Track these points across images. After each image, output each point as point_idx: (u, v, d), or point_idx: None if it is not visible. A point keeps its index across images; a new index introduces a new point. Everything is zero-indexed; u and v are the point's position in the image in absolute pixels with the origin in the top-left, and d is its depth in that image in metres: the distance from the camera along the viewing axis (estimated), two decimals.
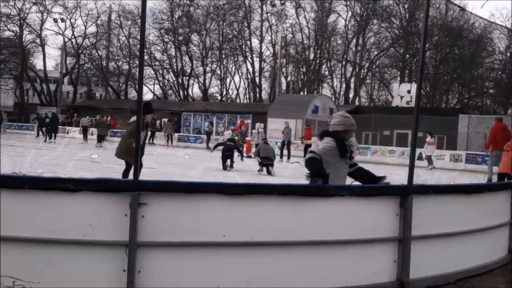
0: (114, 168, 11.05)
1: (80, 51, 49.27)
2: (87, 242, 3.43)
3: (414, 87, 30.24)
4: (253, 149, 17.44)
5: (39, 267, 3.37)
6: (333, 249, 4.03)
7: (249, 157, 17.99)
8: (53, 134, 24.43)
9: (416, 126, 4.57)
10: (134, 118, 9.10)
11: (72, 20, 47.84)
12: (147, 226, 3.53)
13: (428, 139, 18.48)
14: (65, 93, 53.61)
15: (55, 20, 46.88)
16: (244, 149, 19.81)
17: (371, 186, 4.41)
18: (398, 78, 42.37)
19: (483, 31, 36.19)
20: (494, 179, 11.99)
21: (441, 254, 4.64)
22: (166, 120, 32.41)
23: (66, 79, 51.99)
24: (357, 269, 4.11)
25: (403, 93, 33.45)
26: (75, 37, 48.77)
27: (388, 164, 19.60)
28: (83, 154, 13.59)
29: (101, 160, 11.51)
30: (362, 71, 45.38)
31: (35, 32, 48.41)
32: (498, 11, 62.40)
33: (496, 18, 35.57)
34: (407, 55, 42.30)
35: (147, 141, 27.55)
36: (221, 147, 14.29)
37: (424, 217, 4.42)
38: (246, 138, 21.82)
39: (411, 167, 4.43)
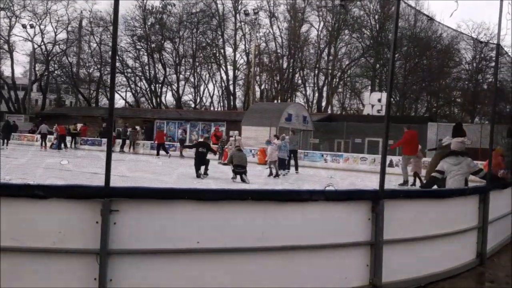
0: (85, 175, 10.86)
1: (49, 57, 48.19)
2: (57, 250, 3.34)
3: (384, 96, 30.88)
4: None
5: (6, 277, 3.26)
6: (306, 253, 4.05)
7: (225, 164, 18.04)
8: (5, 141, 26.30)
9: (387, 133, 4.66)
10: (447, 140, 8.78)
11: (42, 26, 46.87)
12: (119, 233, 3.47)
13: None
14: (33, 101, 52.31)
15: (24, 26, 45.80)
16: (222, 157, 20.66)
17: (344, 190, 4.47)
18: (369, 87, 43.21)
19: (450, 42, 37.27)
20: (410, 180, 13.43)
21: (413, 258, 4.73)
22: (137, 127, 32.20)
23: (35, 86, 50.69)
24: (330, 274, 4.14)
25: (374, 102, 34.10)
26: (44, 44, 47.70)
27: (360, 171, 19.89)
28: (52, 160, 13.25)
29: (71, 167, 11.25)
30: (334, 80, 46.06)
31: (3, 38, 47.16)
32: (464, 22, 64.27)
33: (463, 30, 36.66)
34: (378, 65, 43.18)
35: (119, 149, 27.55)
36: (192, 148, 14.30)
37: (396, 221, 4.50)
38: (225, 147, 21.94)
39: (382, 173, 4.52)
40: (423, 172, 13.53)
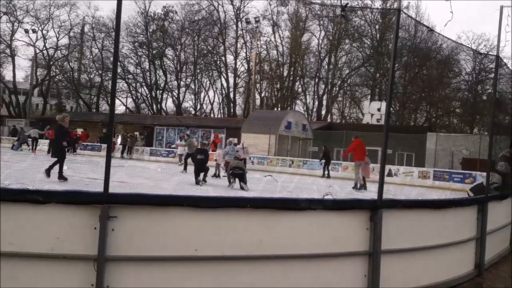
0: (83, 181, 10.85)
1: (51, 62, 48.34)
2: (55, 256, 3.34)
3: (384, 105, 30.96)
4: None
5: (3, 282, 3.25)
6: (304, 263, 4.04)
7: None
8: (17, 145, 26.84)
9: (386, 143, 4.68)
10: None
11: (44, 31, 47.05)
12: (117, 239, 3.47)
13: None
14: (34, 105, 52.36)
15: (26, 31, 46.00)
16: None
17: (342, 200, 4.47)
18: (369, 97, 43.29)
19: (450, 53, 37.35)
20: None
21: (411, 268, 4.72)
22: (136, 133, 32.31)
23: (36, 91, 50.78)
24: (328, 283, 4.12)
25: (374, 111, 34.15)
26: (46, 49, 47.89)
27: None
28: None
29: (71, 172, 11.23)
30: (334, 89, 46.17)
31: (5, 43, 47.31)
32: (464, 33, 64.66)
33: (463, 41, 36.79)
34: (378, 74, 43.32)
35: (119, 155, 27.57)
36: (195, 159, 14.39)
37: (394, 231, 4.49)
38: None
39: (381, 182, 4.52)
40: (372, 176, 14.68)
